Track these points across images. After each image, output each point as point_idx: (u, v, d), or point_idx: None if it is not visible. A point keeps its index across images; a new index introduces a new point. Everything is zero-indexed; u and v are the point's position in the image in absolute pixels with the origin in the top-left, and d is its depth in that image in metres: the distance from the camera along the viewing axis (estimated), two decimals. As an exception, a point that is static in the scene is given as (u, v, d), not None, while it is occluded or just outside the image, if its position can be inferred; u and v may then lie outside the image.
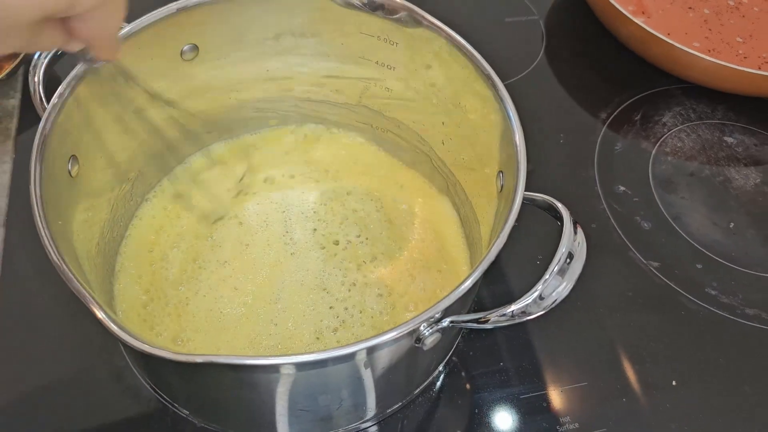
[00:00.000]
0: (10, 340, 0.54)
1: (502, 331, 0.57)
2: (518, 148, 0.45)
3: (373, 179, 0.63)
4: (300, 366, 0.37)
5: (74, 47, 0.36)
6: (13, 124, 0.67)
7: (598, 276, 0.61)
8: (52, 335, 0.54)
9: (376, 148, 0.65)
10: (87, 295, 0.37)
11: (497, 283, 0.60)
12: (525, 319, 0.41)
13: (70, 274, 0.37)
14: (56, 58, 0.51)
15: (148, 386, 0.52)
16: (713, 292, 0.62)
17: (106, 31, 0.33)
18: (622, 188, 0.69)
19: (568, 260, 0.41)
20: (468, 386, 0.56)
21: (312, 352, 0.35)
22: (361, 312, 0.54)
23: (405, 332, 0.38)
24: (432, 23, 0.52)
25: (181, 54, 0.54)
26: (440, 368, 0.55)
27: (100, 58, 0.41)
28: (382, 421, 0.52)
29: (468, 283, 0.39)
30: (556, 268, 0.40)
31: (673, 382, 0.56)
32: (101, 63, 0.45)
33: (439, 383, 0.55)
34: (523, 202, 0.44)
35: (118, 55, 0.39)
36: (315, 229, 0.59)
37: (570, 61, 0.82)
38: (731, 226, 0.67)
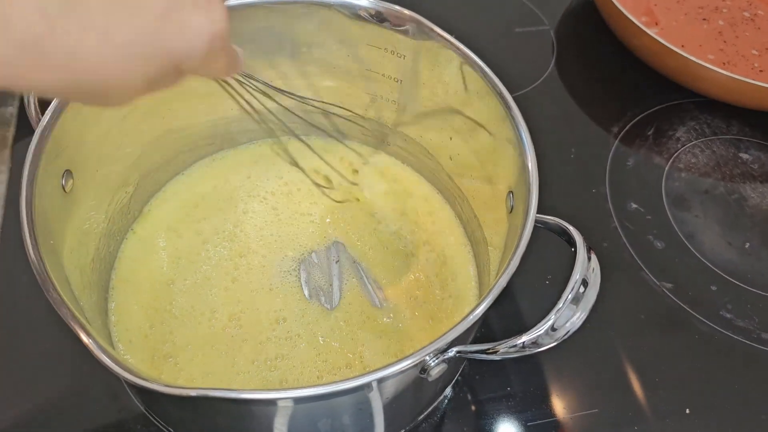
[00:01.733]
0: (2, 356, 0.52)
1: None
2: (530, 172, 0.43)
3: (377, 193, 0.61)
4: (299, 400, 0.35)
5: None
6: (11, 132, 0.66)
7: (609, 297, 0.59)
8: (46, 352, 0.53)
9: (381, 161, 0.63)
10: (78, 323, 0.35)
11: (504, 304, 0.58)
12: (536, 351, 0.39)
13: (64, 306, 0.36)
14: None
15: (142, 408, 0.50)
16: (728, 315, 0.60)
17: (216, 70, 0.33)
18: (634, 205, 0.67)
19: (582, 288, 0.39)
20: (474, 410, 0.54)
21: (311, 386, 0.34)
22: (365, 335, 0.52)
23: (410, 365, 0.36)
24: (441, 36, 0.50)
25: (181, 65, 0.53)
26: (446, 392, 0.53)
27: (222, 77, 0.42)
28: (384, 448, 0.50)
29: (477, 313, 0.38)
30: (570, 296, 0.39)
31: (687, 410, 0.54)
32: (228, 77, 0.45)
33: (444, 407, 0.53)
34: (534, 226, 0.42)
35: (238, 68, 0.38)
36: (319, 244, 0.57)
37: (581, 73, 0.80)
38: (747, 246, 0.65)
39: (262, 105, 0.50)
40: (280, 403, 0.36)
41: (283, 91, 0.52)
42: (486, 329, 0.56)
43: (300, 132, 0.63)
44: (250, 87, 0.48)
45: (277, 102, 0.52)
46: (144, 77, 0.28)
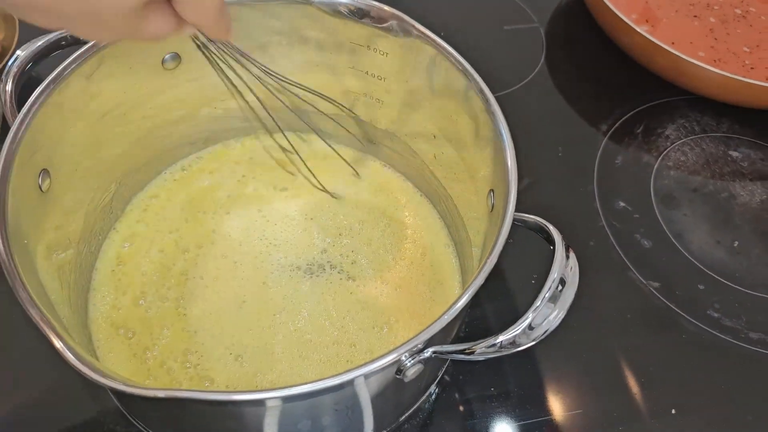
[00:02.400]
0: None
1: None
2: (509, 169, 0.42)
3: (363, 191, 0.60)
4: (270, 401, 0.35)
5: (186, 32, 0.36)
6: (-6, 131, 0.65)
7: (595, 296, 0.59)
8: (26, 352, 0.52)
9: (366, 159, 0.62)
10: (47, 323, 0.35)
11: (491, 303, 0.58)
12: (514, 351, 0.38)
13: (34, 307, 0.35)
14: (35, 63, 0.50)
15: (122, 409, 0.50)
16: (716, 315, 0.59)
17: (208, 5, 0.33)
18: (622, 204, 0.66)
19: (559, 287, 0.39)
20: (462, 410, 0.53)
21: (279, 388, 0.33)
22: (347, 330, 0.52)
23: (385, 365, 0.35)
24: (422, 33, 0.49)
25: (162, 63, 0.52)
26: (431, 389, 0.53)
27: (212, 36, 0.41)
28: (366, 449, 0.50)
29: (452, 312, 0.37)
30: (547, 294, 0.38)
31: (672, 410, 0.53)
32: (216, 42, 0.45)
33: (429, 406, 0.53)
34: (513, 223, 0.41)
35: (230, 34, 0.38)
36: (303, 242, 0.57)
37: (571, 71, 0.80)
38: (735, 245, 0.64)
39: (250, 91, 0.50)
40: (253, 405, 0.35)
41: (271, 73, 0.52)
42: (471, 328, 0.56)
43: (283, 127, 0.63)
44: (235, 61, 0.48)
45: (266, 88, 0.52)
46: None
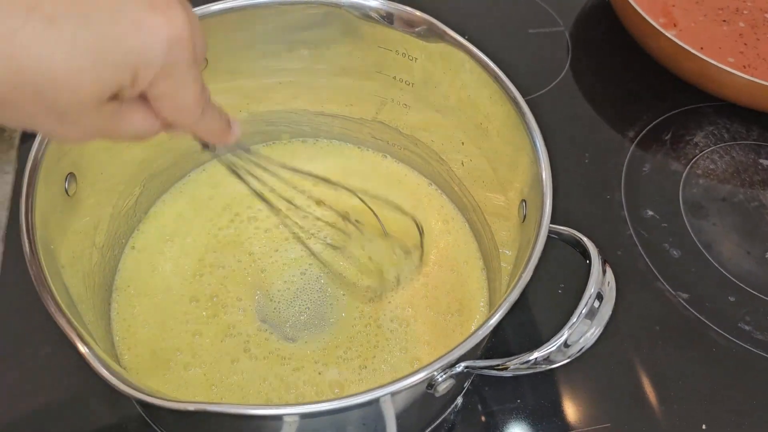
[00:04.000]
0: (3, 361, 0.51)
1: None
2: (544, 182, 0.41)
3: (387, 198, 0.59)
4: (300, 416, 0.34)
5: (177, 131, 0.32)
6: (17, 132, 0.65)
7: (623, 308, 0.58)
8: (48, 356, 0.52)
9: (391, 165, 0.61)
10: (76, 331, 0.34)
11: (515, 314, 0.57)
12: (548, 368, 0.38)
13: (62, 315, 0.35)
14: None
15: (144, 416, 0.49)
16: (747, 327, 0.58)
17: (184, 104, 0.30)
18: (650, 212, 0.65)
19: (596, 302, 0.38)
20: (484, 421, 0.52)
21: (311, 403, 0.33)
22: (371, 344, 0.51)
23: (417, 381, 0.35)
24: (453, 39, 0.48)
25: (188, 66, 0.52)
26: (456, 401, 0.52)
27: (206, 140, 0.36)
28: (390, 460, 0.49)
29: (486, 328, 0.36)
30: (584, 311, 0.37)
31: (703, 426, 0.52)
32: (224, 151, 0.39)
33: (453, 418, 0.52)
34: (547, 236, 0.40)
35: (228, 138, 0.35)
36: (326, 249, 0.56)
37: (596, 76, 0.79)
38: (767, 256, 0.63)
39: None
40: (286, 419, 0.35)
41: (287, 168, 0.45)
42: (495, 339, 0.55)
43: (306, 136, 0.62)
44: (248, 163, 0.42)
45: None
46: (99, 81, 0.26)
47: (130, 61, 0.26)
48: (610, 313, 0.38)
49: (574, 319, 0.37)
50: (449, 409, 0.51)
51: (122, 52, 0.26)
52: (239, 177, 0.42)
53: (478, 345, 0.36)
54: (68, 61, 0.25)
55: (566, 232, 0.42)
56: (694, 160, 0.70)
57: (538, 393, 0.53)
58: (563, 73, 0.78)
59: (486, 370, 0.38)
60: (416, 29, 0.50)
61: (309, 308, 0.53)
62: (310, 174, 0.46)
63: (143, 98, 0.29)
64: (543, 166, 0.42)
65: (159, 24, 0.27)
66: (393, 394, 0.35)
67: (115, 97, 0.27)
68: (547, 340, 0.38)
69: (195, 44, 0.28)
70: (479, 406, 0.53)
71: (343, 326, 0.52)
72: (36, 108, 0.26)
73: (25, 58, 0.24)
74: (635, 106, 0.75)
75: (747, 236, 0.65)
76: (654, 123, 0.73)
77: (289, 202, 0.47)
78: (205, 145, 0.37)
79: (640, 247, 0.62)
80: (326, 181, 0.47)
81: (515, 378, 0.54)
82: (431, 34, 0.50)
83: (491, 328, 0.36)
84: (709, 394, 0.54)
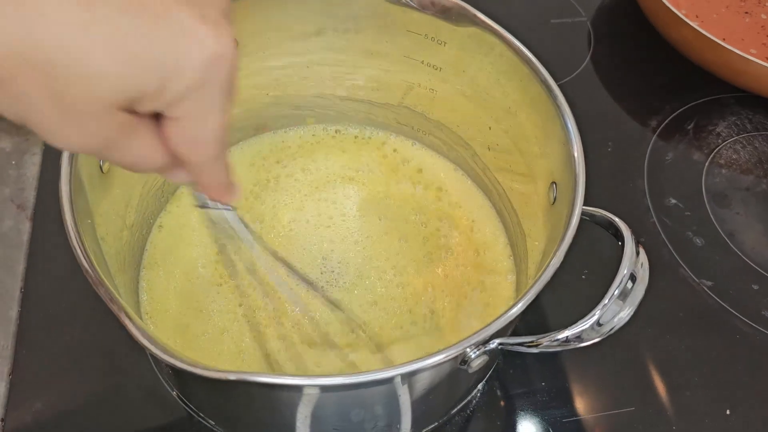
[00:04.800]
0: (34, 341, 0.52)
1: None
2: (576, 161, 0.42)
3: (412, 183, 0.60)
4: (334, 388, 0.35)
5: (176, 176, 0.30)
6: (45, 114, 0.66)
7: (646, 294, 0.57)
8: (77, 337, 0.52)
9: (416, 151, 0.62)
10: (118, 306, 0.35)
11: (539, 299, 0.57)
12: (579, 346, 0.38)
13: (102, 286, 0.35)
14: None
15: (173, 393, 0.50)
16: (770, 316, 0.58)
17: (202, 136, 0.27)
18: (673, 201, 0.65)
19: (629, 283, 0.38)
20: (504, 405, 0.53)
21: (349, 374, 0.33)
22: (398, 323, 0.51)
23: (451, 356, 0.35)
24: (485, 23, 0.49)
25: (219, 47, 0.52)
26: (479, 387, 0.52)
27: (208, 192, 0.33)
28: (415, 440, 0.50)
29: (521, 305, 0.37)
30: (616, 291, 0.38)
31: (727, 411, 0.52)
32: (219, 208, 0.36)
33: (475, 402, 0.52)
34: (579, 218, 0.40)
35: (233, 197, 0.32)
36: (352, 233, 0.56)
37: (618, 66, 0.79)
38: (790, 246, 0.63)
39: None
40: (318, 391, 0.35)
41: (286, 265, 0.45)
42: (519, 324, 0.55)
43: (331, 120, 0.62)
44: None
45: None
46: (123, 82, 0.23)
47: (162, 67, 0.23)
48: (643, 294, 0.39)
49: (607, 300, 0.37)
50: (472, 393, 0.52)
51: (157, 54, 0.23)
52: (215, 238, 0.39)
53: (512, 322, 0.37)
54: (94, 48, 0.22)
55: (598, 214, 0.42)
56: (716, 149, 0.70)
57: (560, 378, 0.54)
58: (585, 63, 0.78)
59: (518, 347, 0.38)
60: (447, 13, 0.50)
61: (335, 287, 0.53)
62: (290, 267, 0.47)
63: (154, 122, 0.26)
64: (575, 145, 0.42)
65: (206, 36, 0.24)
66: (427, 368, 0.36)
67: (128, 108, 0.25)
68: (572, 324, 0.38)
69: (233, 72, 0.26)
70: (499, 392, 0.53)
71: (372, 308, 0.52)
72: (40, 94, 0.22)
73: (43, 31, 0.21)
74: (657, 97, 0.75)
75: (770, 226, 0.65)
76: (676, 113, 0.73)
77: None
78: (202, 202, 0.35)
79: (663, 235, 0.62)
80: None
81: (537, 364, 0.54)
82: (462, 18, 0.50)
83: (527, 305, 0.37)
84: (733, 380, 0.54)
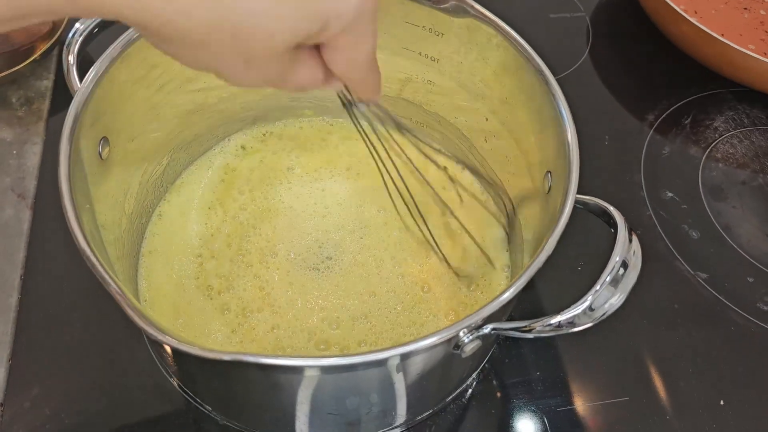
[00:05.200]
0: (34, 327, 0.52)
1: (539, 339, 0.55)
2: (570, 148, 0.42)
3: (409, 174, 0.60)
4: (330, 369, 0.35)
5: (333, 86, 0.34)
6: (46, 105, 0.66)
7: (642, 286, 0.57)
8: (76, 325, 0.53)
9: (414, 142, 0.62)
10: (116, 289, 0.35)
11: (534, 288, 0.58)
12: (572, 330, 0.38)
13: (100, 268, 0.36)
14: (90, 38, 0.50)
15: (170, 379, 0.50)
16: (765, 308, 0.58)
17: (358, 58, 0.32)
18: (669, 194, 0.65)
19: (621, 270, 0.38)
20: (500, 395, 0.53)
21: (344, 355, 0.34)
22: (393, 307, 0.52)
23: (444, 338, 0.35)
24: (481, 13, 0.49)
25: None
26: (473, 376, 0.53)
27: (360, 97, 0.38)
28: (411, 428, 0.50)
29: (513, 290, 0.37)
30: (608, 278, 0.38)
31: (721, 402, 0.53)
32: (363, 106, 0.41)
33: (471, 390, 0.53)
34: (573, 207, 0.41)
35: (378, 95, 0.37)
36: (348, 222, 0.57)
37: (616, 60, 0.79)
38: (785, 239, 0.63)
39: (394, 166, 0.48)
40: (312, 372, 0.36)
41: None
42: (514, 313, 0.55)
43: (329, 112, 0.63)
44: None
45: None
46: (294, 30, 0.27)
47: (324, 11, 0.28)
48: (635, 281, 0.39)
49: (599, 286, 0.38)
50: (467, 382, 0.52)
51: (320, 4, 0.27)
52: (364, 136, 0.44)
53: (505, 307, 0.37)
54: (271, 8, 0.26)
55: (592, 202, 0.42)
56: (713, 144, 0.71)
57: (556, 366, 0.54)
58: (583, 58, 0.78)
59: (512, 332, 0.38)
60: (445, 5, 0.50)
61: (332, 272, 0.53)
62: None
63: (315, 49, 0.31)
64: (569, 132, 0.43)
65: None
66: (420, 351, 0.36)
67: (297, 45, 0.29)
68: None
69: (377, 3, 0.30)
70: (494, 381, 0.53)
71: (366, 293, 0.52)
72: (228, 51, 0.27)
73: (231, 1, 0.25)
74: (655, 91, 0.75)
75: (766, 219, 0.65)
76: (674, 108, 0.74)
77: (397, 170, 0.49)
78: (349, 102, 0.39)
79: (659, 228, 0.63)
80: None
81: (532, 353, 0.55)
82: (459, 9, 0.50)
83: (519, 290, 0.37)
84: (727, 372, 0.54)
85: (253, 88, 0.32)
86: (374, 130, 0.46)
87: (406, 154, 0.51)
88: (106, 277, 0.35)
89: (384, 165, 0.47)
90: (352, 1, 0.28)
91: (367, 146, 0.46)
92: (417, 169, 0.50)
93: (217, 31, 0.26)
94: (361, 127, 0.44)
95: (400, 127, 0.48)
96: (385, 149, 0.48)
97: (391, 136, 0.49)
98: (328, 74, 0.33)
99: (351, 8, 0.28)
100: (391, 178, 0.49)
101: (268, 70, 0.29)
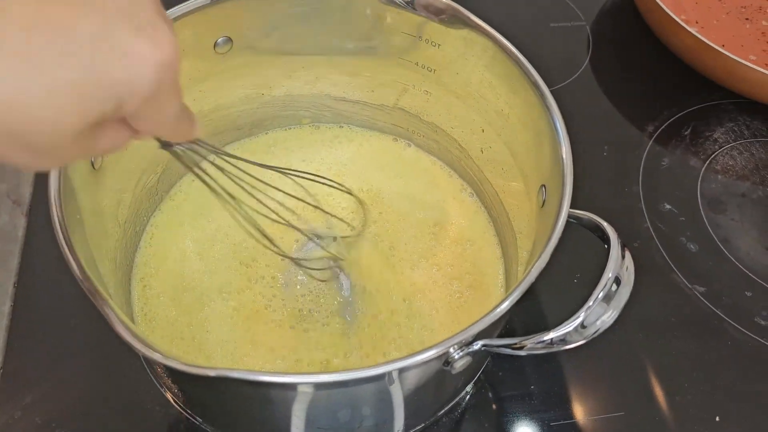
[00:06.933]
0: (27, 335, 0.52)
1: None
2: (564, 163, 0.42)
3: (405, 184, 0.60)
4: (319, 386, 0.35)
5: (144, 138, 0.32)
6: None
7: (638, 299, 0.56)
8: (69, 333, 0.53)
9: (410, 152, 0.62)
10: (106, 306, 0.35)
11: (529, 301, 0.57)
12: (563, 348, 0.38)
13: (85, 281, 0.36)
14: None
15: (161, 391, 0.50)
16: (763, 323, 0.58)
17: (167, 118, 0.29)
18: (667, 206, 0.65)
19: (614, 286, 0.38)
20: (495, 408, 0.53)
21: (333, 372, 0.33)
22: (385, 322, 0.51)
23: (434, 356, 0.35)
24: (478, 25, 0.49)
25: (214, 46, 0.52)
26: (467, 389, 0.52)
27: (176, 140, 0.36)
28: (403, 442, 0.50)
29: (504, 307, 0.37)
30: (601, 294, 0.37)
31: (717, 418, 0.52)
32: (180, 147, 0.38)
33: (464, 404, 0.52)
34: (567, 221, 0.40)
35: (195, 134, 0.35)
36: (344, 232, 0.56)
37: (617, 70, 0.79)
38: (784, 253, 0.63)
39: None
40: (301, 389, 0.35)
41: (249, 161, 0.46)
42: (509, 326, 0.55)
43: (326, 121, 0.62)
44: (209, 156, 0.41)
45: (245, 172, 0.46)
46: (81, 116, 0.24)
47: (115, 93, 0.25)
48: (627, 297, 0.38)
49: (591, 302, 0.37)
50: (461, 395, 0.52)
51: (107, 84, 0.24)
52: (193, 172, 0.41)
53: (495, 323, 0.37)
54: (47, 99, 0.23)
55: (585, 217, 0.42)
56: (713, 155, 0.70)
57: (550, 381, 0.54)
58: (583, 67, 0.78)
59: (502, 349, 0.38)
60: (441, 16, 0.50)
61: (323, 289, 0.53)
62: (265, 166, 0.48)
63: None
64: (564, 147, 0.42)
65: (147, 50, 0.25)
66: (411, 367, 0.36)
67: (93, 123, 0.26)
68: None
69: (177, 66, 0.27)
70: (490, 394, 0.53)
71: (358, 306, 0.52)
72: (7, 146, 0.24)
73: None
74: (655, 102, 0.75)
75: (766, 233, 0.64)
76: (673, 118, 0.73)
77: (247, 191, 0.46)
78: (166, 144, 0.37)
79: (657, 240, 0.62)
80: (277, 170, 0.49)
81: (527, 367, 0.54)
82: (455, 20, 0.50)
83: (509, 307, 0.37)
84: (723, 387, 0.54)
85: (57, 167, 0.30)
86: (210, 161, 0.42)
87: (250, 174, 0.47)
88: (92, 288, 0.35)
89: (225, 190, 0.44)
90: (146, 75, 0.25)
91: (202, 179, 0.42)
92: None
93: None
94: (187, 163, 0.40)
95: (218, 153, 0.43)
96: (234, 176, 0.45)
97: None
98: (136, 133, 0.30)
99: (146, 82, 0.25)
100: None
101: (64, 153, 0.26)
